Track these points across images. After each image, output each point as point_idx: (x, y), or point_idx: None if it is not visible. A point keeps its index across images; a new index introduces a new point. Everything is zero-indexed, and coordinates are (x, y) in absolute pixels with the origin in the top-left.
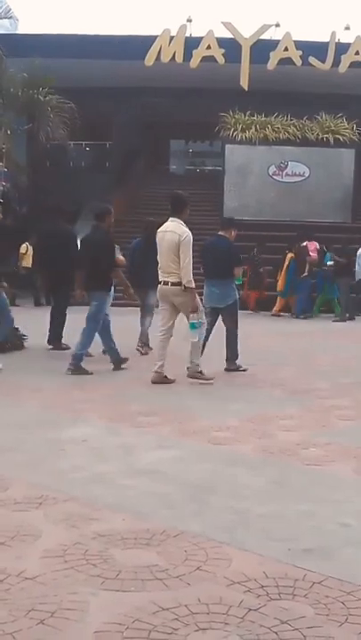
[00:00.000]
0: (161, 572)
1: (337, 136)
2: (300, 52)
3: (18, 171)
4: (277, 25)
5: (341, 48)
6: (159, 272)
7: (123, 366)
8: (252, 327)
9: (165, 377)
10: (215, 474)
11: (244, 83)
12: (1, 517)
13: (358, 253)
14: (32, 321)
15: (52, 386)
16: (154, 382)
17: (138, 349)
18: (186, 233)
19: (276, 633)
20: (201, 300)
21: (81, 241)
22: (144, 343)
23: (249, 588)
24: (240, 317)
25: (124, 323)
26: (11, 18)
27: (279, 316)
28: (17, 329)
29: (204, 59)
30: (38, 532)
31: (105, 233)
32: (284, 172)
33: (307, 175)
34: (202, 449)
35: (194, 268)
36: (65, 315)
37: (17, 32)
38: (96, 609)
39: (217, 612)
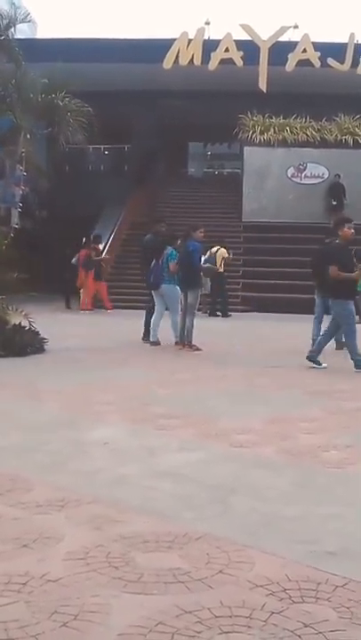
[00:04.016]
0: (183, 574)
1: (356, 137)
2: (319, 54)
3: (37, 175)
4: (296, 26)
5: (360, 49)
6: None
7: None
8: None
9: None
10: (237, 476)
11: (263, 85)
12: (23, 520)
13: None
14: (52, 324)
15: (72, 388)
16: None
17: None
18: None
19: (299, 636)
20: None
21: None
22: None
23: (272, 591)
24: None
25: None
26: (29, 22)
27: None
28: (38, 332)
29: (223, 61)
30: (61, 534)
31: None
32: (302, 174)
33: (326, 177)
34: (224, 451)
35: None
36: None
37: (36, 36)
38: (119, 612)
39: (240, 615)
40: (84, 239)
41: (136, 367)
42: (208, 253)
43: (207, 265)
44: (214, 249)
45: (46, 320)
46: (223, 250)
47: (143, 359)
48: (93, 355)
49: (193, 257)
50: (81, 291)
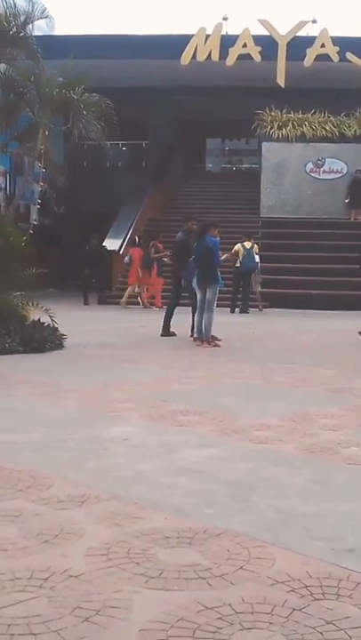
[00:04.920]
0: (204, 570)
1: None
2: (338, 49)
3: (56, 171)
4: (314, 21)
5: None
6: None
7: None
8: None
9: None
10: (257, 473)
11: (281, 80)
12: (45, 515)
13: None
14: (71, 320)
15: (91, 385)
16: None
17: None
18: None
19: (320, 633)
20: None
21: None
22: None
23: (293, 588)
24: None
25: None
26: (46, 17)
27: None
28: (57, 328)
29: (241, 56)
30: (82, 530)
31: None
32: (321, 169)
33: (344, 172)
34: (243, 448)
35: None
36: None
37: (53, 32)
38: (140, 607)
39: (261, 611)
40: (136, 238)
41: (154, 363)
42: (238, 248)
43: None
44: (247, 244)
45: (64, 316)
46: (256, 245)
47: (161, 355)
48: (112, 351)
49: (213, 253)
50: (137, 288)
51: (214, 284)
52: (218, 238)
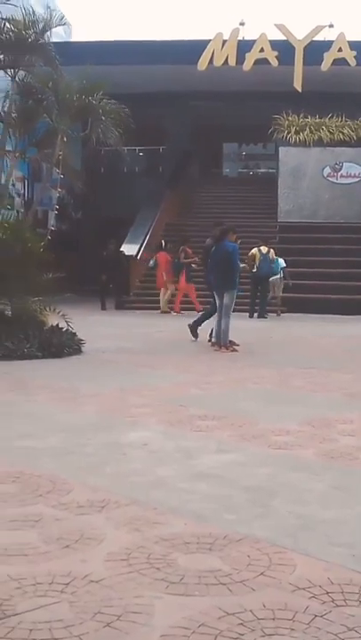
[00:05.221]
0: (225, 576)
1: None
2: (355, 53)
3: (73, 177)
4: (331, 25)
5: None
6: None
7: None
8: None
9: None
10: (276, 478)
11: (298, 84)
12: (65, 520)
13: None
14: (88, 325)
15: (109, 389)
16: None
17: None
18: None
19: None
20: None
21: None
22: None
23: (314, 594)
24: None
25: None
26: (65, 24)
27: None
28: (75, 334)
29: (258, 61)
30: (102, 535)
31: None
32: (338, 174)
33: None
34: (262, 453)
35: None
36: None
37: (71, 39)
38: (161, 613)
39: (283, 617)
40: (163, 242)
41: (171, 368)
42: (255, 253)
43: (243, 265)
44: (263, 249)
45: (82, 321)
46: (272, 250)
47: (179, 360)
48: (129, 356)
49: (233, 258)
50: (165, 293)
51: (232, 290)
52: (237, 243)
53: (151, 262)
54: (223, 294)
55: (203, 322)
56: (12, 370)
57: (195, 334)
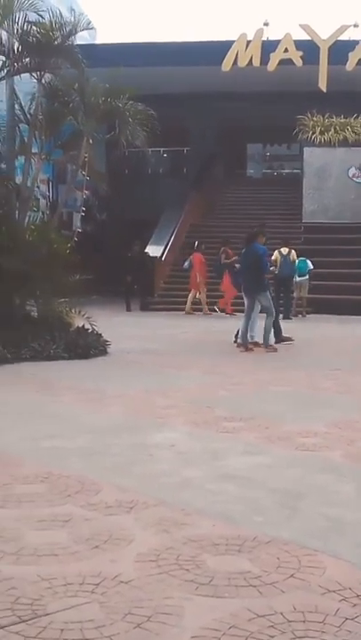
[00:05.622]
0: (254, 578)
1: None
2: None
3: (98, 179)
4: (356, 25)
5: None
6: None
7: None
8: None
9: None
10: (304, 480)
11: (323, 84)
12: (94, 521)
13: None
14: (114, 326)
15: (135, 391)
16: None
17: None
18: None
19: None
20: None
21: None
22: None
23: (344, 597)
24: None
25: None
26: (91, 29)
27: None
28: (101, 335)
29: (282, 62)
30: (130, 536)
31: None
32: None
33: None
34: (289, 455)
35: None
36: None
37: (95, 42)
38: (191, 614)
39: (313, 620)
40: (195, 243)
41: (197, 370)
42: (276, 255)
43: (272, 268)
44: (284, 250)
45: (107, 322)
46: (293, 251)
47: (204, 362)
48: (155, 357)
49: (262, 260)
50: (197, 295)
51: (263, 292)
52: (265, 247)
53: (186, 264)
54: (252, 297)
55: (278, 326)
56: (39, 371)
57: (286, 338)
